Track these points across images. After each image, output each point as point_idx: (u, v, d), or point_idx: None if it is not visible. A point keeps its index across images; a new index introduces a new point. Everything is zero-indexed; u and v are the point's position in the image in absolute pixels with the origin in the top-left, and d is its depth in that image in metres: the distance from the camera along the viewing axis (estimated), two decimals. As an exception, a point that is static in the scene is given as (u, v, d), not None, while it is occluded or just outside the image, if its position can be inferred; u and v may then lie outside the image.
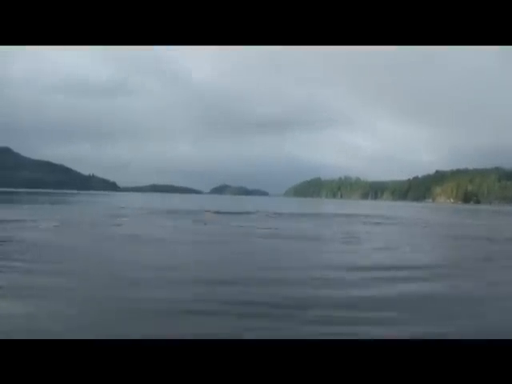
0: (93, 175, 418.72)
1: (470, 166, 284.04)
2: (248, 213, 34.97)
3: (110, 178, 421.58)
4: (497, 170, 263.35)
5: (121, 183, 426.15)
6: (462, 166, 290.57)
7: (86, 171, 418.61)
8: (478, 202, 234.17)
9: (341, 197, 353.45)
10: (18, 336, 4.74)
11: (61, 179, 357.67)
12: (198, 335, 4.82)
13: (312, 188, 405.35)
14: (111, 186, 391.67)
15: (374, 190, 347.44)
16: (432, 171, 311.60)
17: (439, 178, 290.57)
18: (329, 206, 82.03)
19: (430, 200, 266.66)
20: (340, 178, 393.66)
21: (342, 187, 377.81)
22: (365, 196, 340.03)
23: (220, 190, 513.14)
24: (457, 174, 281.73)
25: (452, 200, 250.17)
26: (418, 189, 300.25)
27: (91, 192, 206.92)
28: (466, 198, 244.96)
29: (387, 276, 9.55)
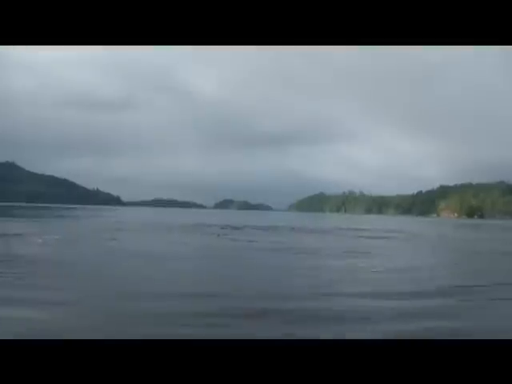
0: (97, 189, 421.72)
1: (474, 181, 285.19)
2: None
3: (114, 192, 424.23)
4: (500, 184, 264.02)
5: (124, 197, 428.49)
6: (465, 181, 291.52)
7: (90, 185, 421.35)
8: (481, 216, 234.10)
9: (345, 211, 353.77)
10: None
11: (64, 193, 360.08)
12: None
13: (316, 203, 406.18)
14: (115, 201, 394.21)
15: (378, 205, 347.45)
16: (436, 186, 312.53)
17: (443, 192, 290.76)
18: (340, 221, 79.06)
19: (435, 215, 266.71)
20: (344, 193, 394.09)
21: (346, 202, 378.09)
22: (369, 211, 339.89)
23: (223, 204, 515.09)
24: (461, 188, 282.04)
25: (456, 214, 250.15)
26: (422, 204, 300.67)
27: (95, 206, 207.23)
28: (471, 213, 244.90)
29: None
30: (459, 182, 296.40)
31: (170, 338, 4.49)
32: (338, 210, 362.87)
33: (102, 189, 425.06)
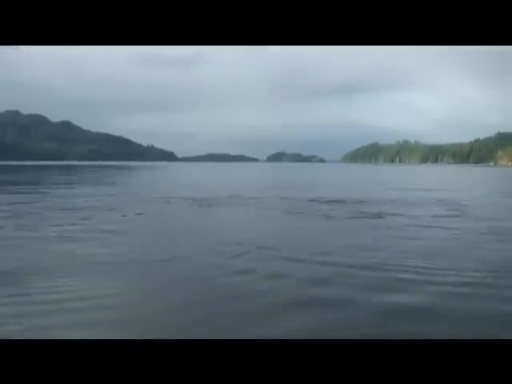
0: (152, 146, 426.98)
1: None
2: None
3: (169, 148, 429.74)
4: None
5: (178, 153, 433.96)
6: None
7: (145, 142, 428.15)
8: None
9: (399, 161, 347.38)
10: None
11: (119, 150, 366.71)
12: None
13: (369, 153, 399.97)
14: (169, 156, 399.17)
15: (434, 154, 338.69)
16: (493, 133, 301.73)
17: (501, 140, 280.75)
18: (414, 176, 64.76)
19: (492, 163, 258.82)
20: (398, 142, 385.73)
21: (401, 151, 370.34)
22: (424, 160, 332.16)
23: (276, 157, 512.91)
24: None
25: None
26: (479, 152, 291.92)
27: (148, 163, 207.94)
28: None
29: None
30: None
31: (168, 338, 4.49)
32: (392, 160, 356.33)
33: (156, 145, 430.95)
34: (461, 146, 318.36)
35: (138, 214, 15.68)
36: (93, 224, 13.23)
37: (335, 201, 20.54)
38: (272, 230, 12.70)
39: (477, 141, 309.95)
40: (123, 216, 15.13)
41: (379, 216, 15.24)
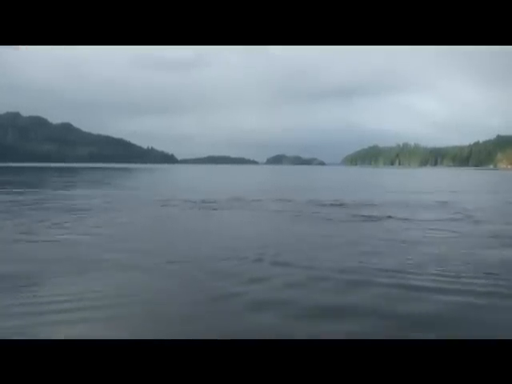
0: (152, 148, 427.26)
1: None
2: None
3: (169, 150, 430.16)
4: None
5: (179, 155, 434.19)
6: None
7: (145, 144, 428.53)
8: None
9: (399, 164, 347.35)
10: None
11: (120, 153, 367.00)
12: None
13: (369, 156, 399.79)
14: (169, 159, 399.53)
15: (434, 157, 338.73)
16: (493, 136, 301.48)
17: (501, 142, 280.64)
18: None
19: (492, 166, 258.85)
20: (398, 145, 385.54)
21: (401, 154, 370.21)
22: (424, 163, 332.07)
23: (276, 160, 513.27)
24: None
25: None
26: (479, 155, 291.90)
27: (148, 166, 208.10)
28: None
29: None
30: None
31: (168, 338, 4.48)
32: (391, 163, 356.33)
33: (156, 147, 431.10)
34: (461, 148, 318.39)
35: (137, 216, 15.69)
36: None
37: (337, 204, 20.60)
38: (279, 236, 12.25)
39: (476, 144, 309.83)
40: (121, 218, 15.20)
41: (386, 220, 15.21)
